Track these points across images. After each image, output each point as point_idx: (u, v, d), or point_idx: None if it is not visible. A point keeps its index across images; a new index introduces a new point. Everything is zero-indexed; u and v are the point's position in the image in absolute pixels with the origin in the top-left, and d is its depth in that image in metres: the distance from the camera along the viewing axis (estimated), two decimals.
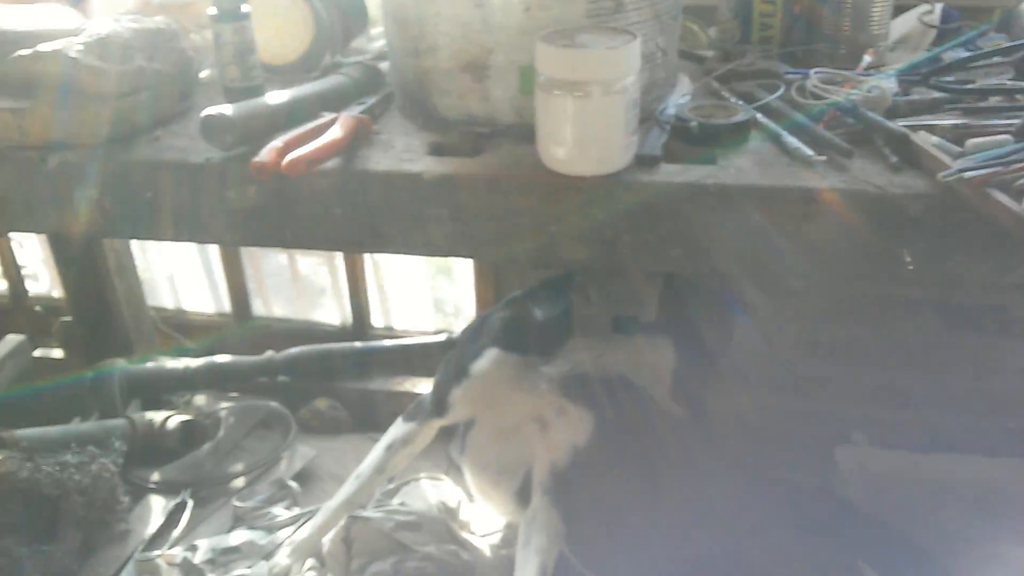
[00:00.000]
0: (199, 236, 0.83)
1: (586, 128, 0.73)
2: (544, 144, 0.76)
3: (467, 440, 1.29)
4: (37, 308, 1.85)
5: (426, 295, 1.97)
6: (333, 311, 1.91)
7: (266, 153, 0.74)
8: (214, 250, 1.83)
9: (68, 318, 1.67)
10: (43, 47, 0.79)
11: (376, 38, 1.16)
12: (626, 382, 1.13)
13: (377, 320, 1.88)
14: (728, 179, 0.74)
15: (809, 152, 0.76)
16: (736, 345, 1.24)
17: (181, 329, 1.86)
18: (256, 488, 1.41)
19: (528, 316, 1.17)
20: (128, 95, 0.81)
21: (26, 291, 1.90)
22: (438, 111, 0.84)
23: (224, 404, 1.57)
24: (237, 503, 1.37)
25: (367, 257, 1.78)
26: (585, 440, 1.15)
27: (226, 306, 1.89)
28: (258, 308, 1.92)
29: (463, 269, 1.81)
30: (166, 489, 1.39)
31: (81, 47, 0.79)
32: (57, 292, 1.95)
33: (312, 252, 1.86)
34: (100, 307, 1.64)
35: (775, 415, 1.49)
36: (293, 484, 1.42)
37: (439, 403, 1.24)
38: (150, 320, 1.76)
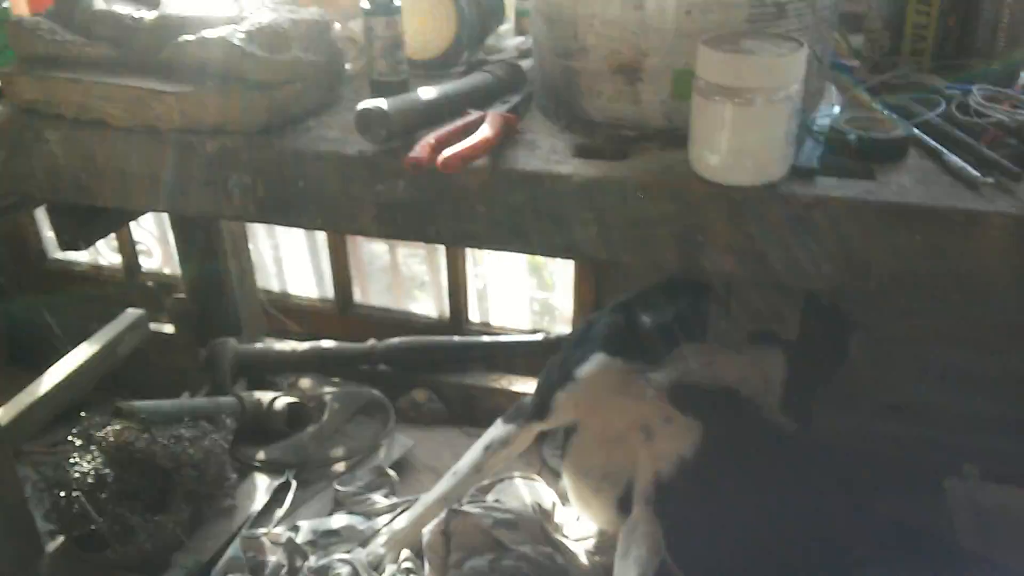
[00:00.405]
0: (346, 226, 0.84)
1: (744, 136, 0.71)
2: (697, 150, 0.75)
3: (569, 445, 1.28)
4: (149, 284, 1.92)
5: (524, 293, 1.97)
6: (430, 303, 1.93)
7: (420, 149, 0.75)
8: (320, 236, 1.87)
9: (181, 295, 1.73)
10: (208, 34, 0.81)
11: (504, 35, 1.17)
12: (735, 393, 1.11)
13: (474, 315, 1.89)
14: (890, 196, 0.72)
15: (975, 173, 0.73)
16: (848, 364, 1.21)
17: (286, 312, 1.91)
18: (356, 474, 1.44)
19: (635, 322, 1.16)
20: (285, 84, 0.83)
21: (139, 266, 1.98)
22: (585, 112, 0.84)
23: (328, 389, 1.60)
24: (338, 487, 1.40)
25: (467, 251, 1.79)
26: (691, 451, 1.13)
27: (329, 292, 1.93)
28: (358, 296, 1.95)
29: (562, 269, 1.81)
30: (271, 468, 1.43)
31: (244, 35, 0.81)
32: (169, 269, 2.02)
33: (413, 244, 1.89)
34: (213, 287, 1.69)
35: (883, 439, 1.45)
36: (391, 473, 1.44)
37: (541, 406, 1.23)
38: (258, 302, 1.80)
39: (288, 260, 1.98)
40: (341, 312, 1.93)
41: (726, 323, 0.95)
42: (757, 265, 0.75)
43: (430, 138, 0.78)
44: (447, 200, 0.80)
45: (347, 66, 0.99)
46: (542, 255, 0.84)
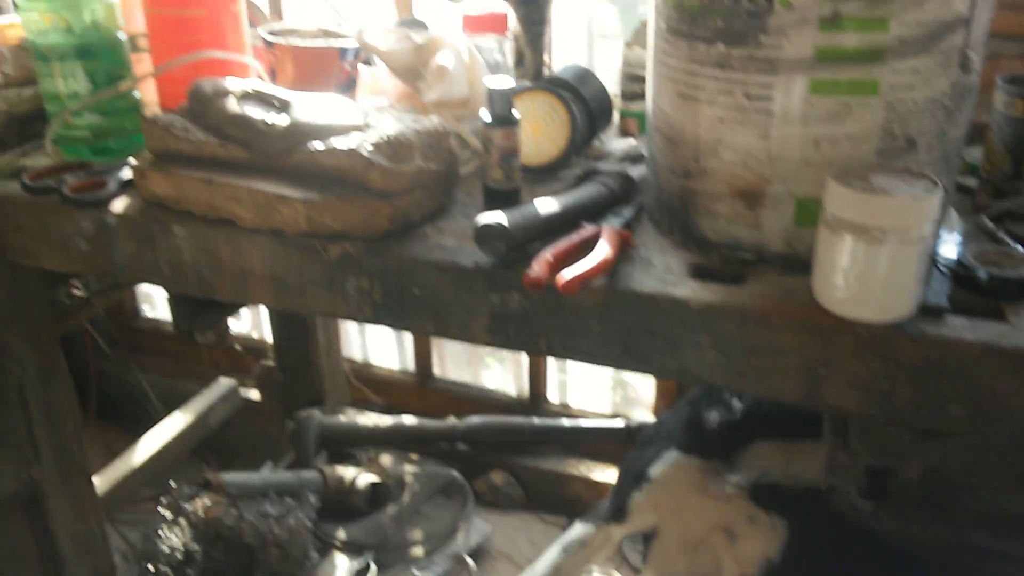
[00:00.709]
0: (457, 334, 0.85)
1: (873, 274, 0.70)
2: (821, 282, 0.74)
3: (649, 550, 1.25)
4: (237, 347, 1.97)
5: (604, 375, 1.95)
6: (509, 381, 1.93)
7: (539, 267, 0.76)
8: None
9: (269, 362, 1.77)
10: (338, 143, 0.84)
11: (609, 135, 1.18)
12: (817, 491, 1.07)
13: (552, 395, 1.88)
14: (1022, 341, 0.69)
15: None
16: (933, 469, 1.16)
17: (367, 381, 1.93)
18: (434, 559, 1.43)
19: (708, 417, 1.13)
20: (407, 193, 0.85)
21: (228, 329, 2.03)
22: (701, 231, 0.84)
23: (407, 467, 1.60)
24: (416, 572, 1.39)
25: None
26: (779, 552, 1.09)
27: (410, 364, 1.95)
28: (437, 369, 1.97)
29: None
30: (350, 549, 1.43)
31: (372, 148, 0.83)
32: (257, 333, 2.07)
33: None
34: (300, 355, 1.72)
35: (973, 552, 1.38)
36: (470, 562, 1.43)
37: (618, 509, 1.20)
38: (343, 372, 1.83)
39: (372, 329, 2.00)
40: (420, 385, 1.94)
41: (844, 457, 0.92)
42: (883, 403, 0.73)
43: (548, 254, 0.78)
44: (560, 315, 0.81)
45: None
46: (655, 376, 0.83)
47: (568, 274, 0.74)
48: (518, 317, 0.82)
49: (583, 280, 0.74)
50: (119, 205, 0.92)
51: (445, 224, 0.90)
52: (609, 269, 0.78)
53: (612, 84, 1.16)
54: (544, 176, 1.01)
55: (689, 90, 0.79)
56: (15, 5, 1.35)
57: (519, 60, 1.36)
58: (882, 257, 0.69)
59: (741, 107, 0.76)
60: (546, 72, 1.39)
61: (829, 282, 0.73)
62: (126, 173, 0.96)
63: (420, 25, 1.34)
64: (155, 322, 2.11)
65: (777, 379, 0.76)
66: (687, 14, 0.77)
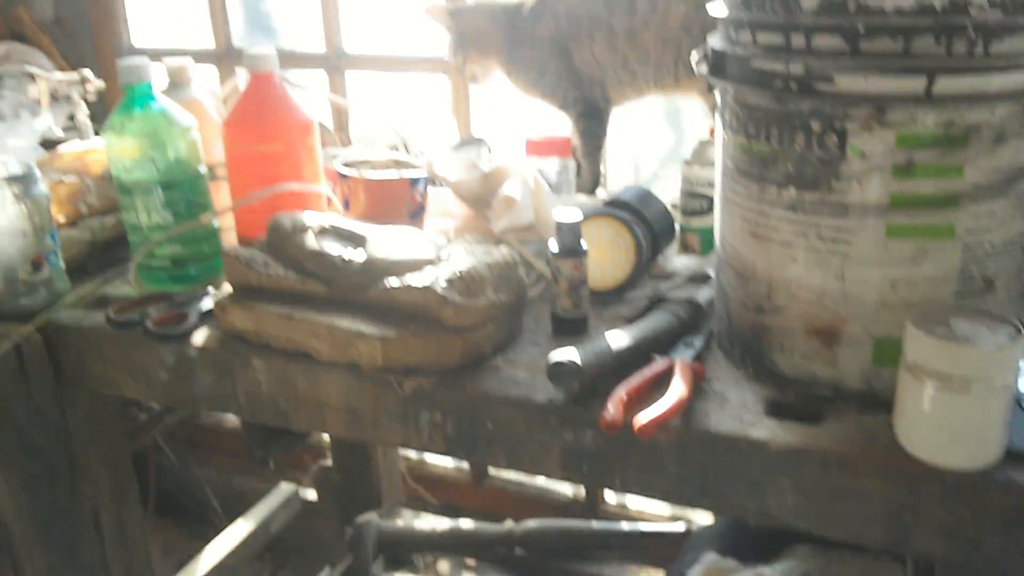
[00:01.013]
0: (530, 468, 0.85)
1: (958, 422, 0.69)
2: (904, 427, 0.73)
3: None
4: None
5: None
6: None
7: (614, 408, 0.76)
8: None
9: (327, 463, 1.77)
10: (412, 281, 0.86)
11: (671, 253, 1.19)
12: None
13: (610, 494, 1.86)
14: None
15: None
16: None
17: (422, 480, 1.92)
18: None
19: (745, 520, 1.12)
20: (479, 327, 0.86)
21: None
22: (775, 366, 0.83)
23: (465, 573, 1.59)
24: None
25: None
26: None
27: (465, 462, 1.94)
28: (492, 467, 1.96)
29: None
30: None
31: (445, 284, 0.85)
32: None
33: None
34: (358, 456, 1.73)
35: None
36: None
37: None
38: (399, 472, 1.83)
39: None
40: (475, 483, 1.93)
41: None
42: (971, 550, 0.71)
43: (622, 393, 0.78)
44: (636, 454, 0.80)
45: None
46: (735, 516, 0.82)
47: (644, 417, 0.74)
48: (592, 454, 0.82)
49: (659, 423, 0.74)
50: (199, 337, 0.95)
51: (515, 355, 0.90)
52: (684, 409, 0.78)
53: (665, 195, 1.18)
54: (611, 298, 1.02)
55: (761, 229, 0.80)
56: (95, 131, 1.42)
57: (576, 171, 1.39)
58: (967, 406, 0.68)
59: (815, 248, 0.76)
60: (601, 182, 1.42)
61: (913, 428, 0.72)
62: (206, 303, 0.99)
63: (481, 144, 1.38)
64: (215, 419, 2.14)
65: (861, 524, 0.74)
66: (757, 158, 0.78)
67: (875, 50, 0.68)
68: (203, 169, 1.07)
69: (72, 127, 1.51)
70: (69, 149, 1.25)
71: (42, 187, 0.99)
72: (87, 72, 1.43)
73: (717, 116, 0.85)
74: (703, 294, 0.99)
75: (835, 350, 0.79)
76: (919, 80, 0.67)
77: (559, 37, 1.36)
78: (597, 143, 1.39)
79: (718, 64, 0.80)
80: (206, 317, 0.98)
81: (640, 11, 1.28)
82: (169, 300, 1.00)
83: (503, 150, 1.24)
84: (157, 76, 1.05)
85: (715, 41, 0.82)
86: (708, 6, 0.82)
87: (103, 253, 1.14)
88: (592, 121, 1.38)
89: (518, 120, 1.64)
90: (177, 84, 1.13)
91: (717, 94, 0.84)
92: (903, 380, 0.72)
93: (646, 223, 1.07)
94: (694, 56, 0.86)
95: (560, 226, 0.93)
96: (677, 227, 1.19)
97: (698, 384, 0.83)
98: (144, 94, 1.01)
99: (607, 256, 1.02)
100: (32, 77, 1.38)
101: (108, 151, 1.04)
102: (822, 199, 0.74)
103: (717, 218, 0.89)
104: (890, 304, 0.75)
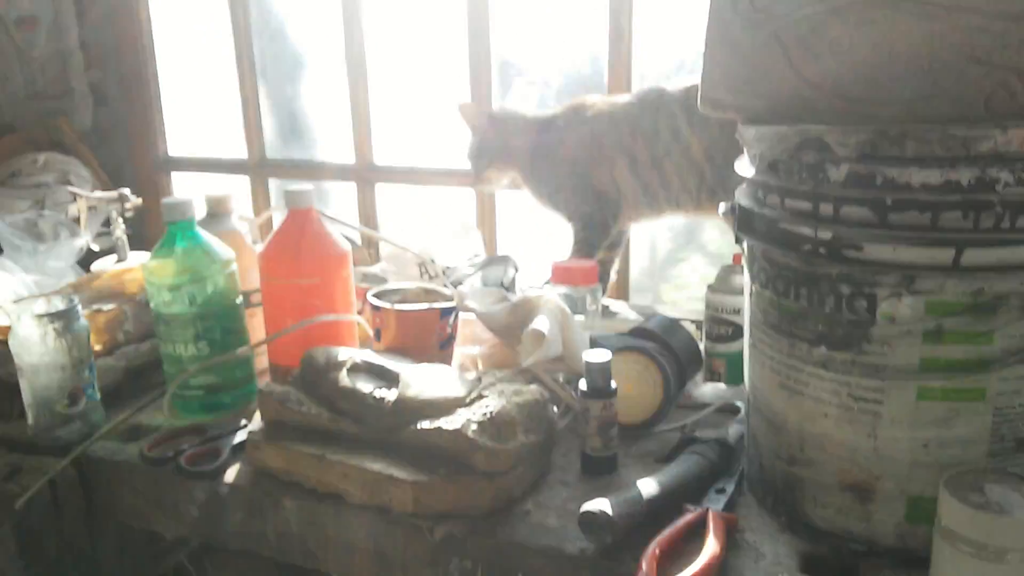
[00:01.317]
0: None
1: None
2: None
3: None
4: None
5: None
6: None
7: (648, 567, 0.76)
8: None
9: None
10: (444, 424, 0.87)
11: (698, 380, 1.19)
12: None
13: None
14: None
15: None
16: None
17: None
18: None
19: None
20: (510, 471, 0.87)
21: None
22: (808, 518, 0.83)
23: None
24: None
25: None
26: None
27: None
28: None
29: None
30: None
31: (476, 427, 0.86)
32: None
33: None
34: None
35: None
36: None
37: None
38: None
39: None
40: None
41: None
42: None
43: (655, 547, 0.78)
44: None
45: None
46: None
47: None
48: None
49: None
50: (231, 474, 0.96)
51: (545, 498, 0.91)
52: (718, 567, 0.78)
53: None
54: (639, 433, 1.03)
55: (792, 383, 0.80)
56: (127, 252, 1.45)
57: None
58: (1002, 575, 0.68)
59: (847, 406, 0.77)
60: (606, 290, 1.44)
61: None
62: (238, 436, 1.00)
63: (508, 262, 1.41)
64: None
65: None
66: (787, 314, 0.79)
67: (903, 222, 0.70)
68: (239, 299, 1.09)
69: (106, 232, 1.55)
70: (106, 268, 1.28)
71: (83, 321, 1.01)
72: (126, 191, 1.47)
73: (745, 265, 0.87)
74: (733, 432, 0.99)
75: (868, 506, 0.79)
76: (947, 252, 0.69)
77: (582, 158, 1.40)
78: (590, 252, 1.41)
79: (745, 220, 0.82)
80: (238, 450, 0.98)
81: (663, 140, 1.32)
82: (202, 433, 1.01)
83: (530, 279, 1.26)
84: (198, 209, 1.08)
85: (742, 198, 0.84)
86: (736, 165, 0.85)
87: (137, 378, 1.16)
88: (592, 233, 1.41)
89: (541, 234, 1.67)
90: (216, 214, 1.16)
91: (745, 246, 0.86)
92: (937, 545, 0.71)
93: (672, 353, 1.08)
94: (721, 208, 0.88)
95: (589, 366, 0.94)
96: (702, 350, 1.20)
97: (731, 535, 0.83)
98: (186, 230, 1.04)
99: (635, 390, 1.02)
100: (74, 197, 1.43)
101: (148, 284, 1.06)
102: (853, 360, 0.75)
103: (746, 363, 0.90)
104: (923, 463, 0.75)
